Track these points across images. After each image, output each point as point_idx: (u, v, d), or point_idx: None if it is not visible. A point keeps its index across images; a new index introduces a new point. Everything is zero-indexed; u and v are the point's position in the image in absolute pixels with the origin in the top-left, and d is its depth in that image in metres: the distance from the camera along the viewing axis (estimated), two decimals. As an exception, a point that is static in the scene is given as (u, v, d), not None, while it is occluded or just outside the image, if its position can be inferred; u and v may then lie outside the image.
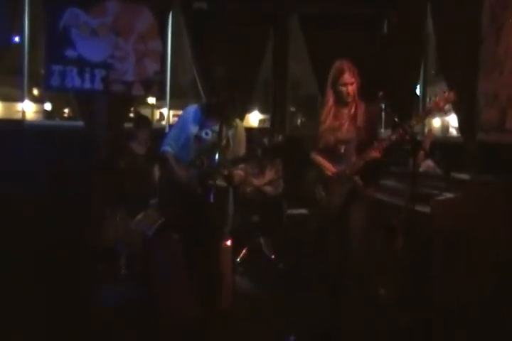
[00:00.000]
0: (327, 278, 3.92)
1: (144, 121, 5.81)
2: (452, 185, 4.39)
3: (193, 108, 3.86)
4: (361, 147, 3.81)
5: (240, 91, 6.36)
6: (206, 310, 3.66)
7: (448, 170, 4.79)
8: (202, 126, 3.70)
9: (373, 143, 3.75)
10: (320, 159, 3.83)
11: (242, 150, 3.75)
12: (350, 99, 3.79)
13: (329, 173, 3.78)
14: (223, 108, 3.65)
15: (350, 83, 3.75)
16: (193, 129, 3.70)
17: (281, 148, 3.52)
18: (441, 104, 3.68)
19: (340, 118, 3.83)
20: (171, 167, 3.73)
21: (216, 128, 3.64)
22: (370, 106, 3.87)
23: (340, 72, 3.75)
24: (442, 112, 3.79)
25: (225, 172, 3.60)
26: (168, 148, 3.80)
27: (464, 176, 4.64)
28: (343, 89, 3.76)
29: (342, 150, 3.81)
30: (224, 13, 6.75)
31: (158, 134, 5.48)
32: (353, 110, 3.84)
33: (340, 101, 3.81)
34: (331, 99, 3.83)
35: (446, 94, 3.75)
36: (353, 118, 3.84)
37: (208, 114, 3.72)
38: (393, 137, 3.67)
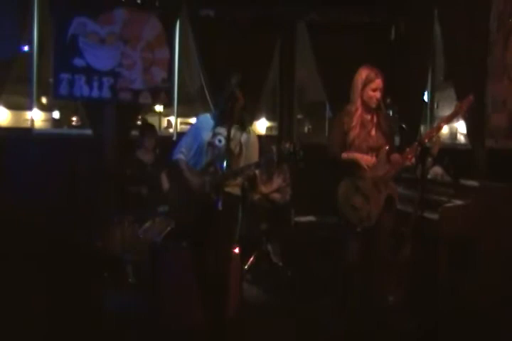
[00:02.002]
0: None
1: (149, 129, 5.82)
2: (461, 192, 4.38)
3: (205, 116, 3.89)
4: (389, 153, 3.79)
5: (249, 97, 6.39)
6: (213, 318, 3.65)
7: (456, 177, 4.77)
8: (215, 134, 3.70)
9: (394, 149, 3.74)
10: (353, 154, 3.73)
11: (255, 156, 3.75)
12: (375, 105, 3.77)
13: (367, 163, 3.72)
14: (235, 113, 3.65)
15: (380, 89, 3.74)
16: (206, 137, 3.70)
17: (297, 155, 3.48)
18: (464, 106, 3.70)
19: (367, 125, 3.81)
20: (184, 175, 3.74)
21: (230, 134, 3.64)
22: (386, 112, 3.85)
23: (373, 78, 3.73)
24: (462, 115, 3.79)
25: (251, 173, 3.62)
26: (180, 156, 3.81)
27: (473, 183, 4.62)
28: (373, 94, 3.74)
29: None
30: (231, 21, 6.78)
31: (166, 142, 5.50)
32: (375, 116, 3.82)
33: (367, 107, 3.79)
34: (359, 106, 3.81)
35: (467, 97, 3.74)
36: (378, 125, 3.82)
37: (221, 121, 3.73)
38: (426, 142, 3.64)
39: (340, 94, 4.15)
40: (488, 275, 4.05)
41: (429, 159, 4.68)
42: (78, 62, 6.45)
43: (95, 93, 6.53)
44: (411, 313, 4.14)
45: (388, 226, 3.79)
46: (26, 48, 7.05)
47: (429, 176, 5.12)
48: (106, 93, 6.55)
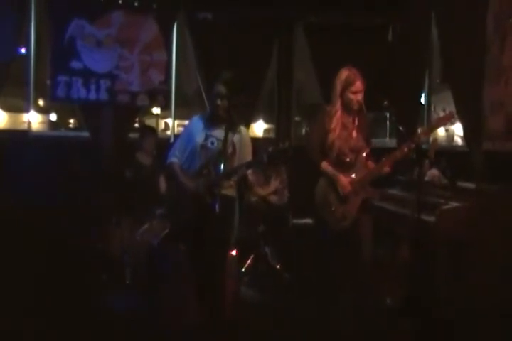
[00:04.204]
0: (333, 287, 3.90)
1: (149, 131, 5.82)
2: (458, 194, 4.38)
3: (197, 118, 3.87)
4: (368, 156, 3.81)
5: (245, 98, 6.39)
6: (210, 320, 3.65)
7: (453, 179, 4.78)
8: (207, 135, 3.71)
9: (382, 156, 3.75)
10: (334, 173, 3.75)
11: (248, 156, 3.75)
12: (356, 108, 3.78)
13: (344, 190, 3.73)
14: (228, 113, 3.65)
15: (360, 91, 3.74)
16: (199, 139, 3.70)
17: (286, 153, 3.50)
18: (444, 122, 3.74)
19: (347, 127, 3.81)
20: (178, 178, 3.74)
21: (222, 136, 3.64)
22: (366, 114, 3.87)
23: (353, 80, 3.72)
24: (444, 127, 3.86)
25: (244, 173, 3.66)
26: (174, 159, 3.81)
27: (470, 185, 4.62)
28: (353, 97, 3.74)
29: (353, 160, 3.79)
30: (228, 23, 6.78)
31: (163, 144, 5.50)
32: (356, 119, 3.83)
33: (347, 109, 3.79)
34: (339, 108, 3.81)
35: (448, 113, 3.79)
36: (359, 126, 3.83)
37: (213, 122, 3.73)
38: (403, 151, 3.66)
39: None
40: (485, 277, 4.05)
41: (426, 161, 4.70)
42: (75, 64, 6.45)
43: (92, 95, 6.53)
44: (408, 315, 4.14)
45: (367, 228, 3.79)
46: (23, 51, 7.04)
47: (426, 178, 5.13)
48: (103, 95, 6.55)
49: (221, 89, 3.65)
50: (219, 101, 3.65)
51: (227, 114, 3.65)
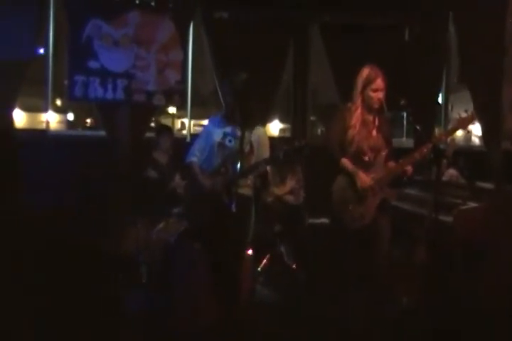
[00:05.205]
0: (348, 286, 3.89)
1: (165, 130, 5.84)
2: (475, 194, 4.35)
3: (216, 117, 3.90)
4: (387, 156, 3.79)
5: (261, 98, 6.41)
6: (225, 319, 3.65)
7: (471, 179, 4.75)
8: (225, 134, 3.73)
9: (391, 154, 3.73)
10: (354, 169, 3.73)
11: (266, 155, 3.76)
12: (377, 106, 3.75)
13: (363, 185, 3.72)
14: (239, 110, 3.66)
15: (381, 89, 3.72)
16: (217, 137, 3.73)
17: (303, 151, 3.51)
18: (466, 124, 3.70)
19: (368, 125, 3.80)
20: (196, 177, 3.76)
21: (239, 134, 3.65)
22: (387, 114, 3.84)
23: (374, 78, 3.72)
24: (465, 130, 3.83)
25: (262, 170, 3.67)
26: (194, 158, 3.83)
27: (488, 185, 4.59)
28: (374, 94, 3.72)
29: (372, 159, 3.77)
30: (244, 23, 6.79)
31: (180, 143, 5.52)
32: (377, 118, 3.81)
33: (368, 107, 3.77)
34: (360, 105, 3.80)
35: (470, 114, 3.75)
36: (379, 126, 3.81)
37: (228, 119, 3.74)
38: (422, 153, 3.64)
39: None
40: (502, 277, 4.02)
41: (444, 161, 4.66)
42: (93, 64, 6.48)
43: (109, 95, 6.56)
44: (424, 315, 4.11)
45: (384, 229, 3.77)
46: (42, 51, 7.10)
47: (444, 178, 5.10)
48: (120, 95, 6.58)
49: (228, 86, 3.69)
50: (227, 98, 3.70)
51: (237, 111, 3.66)
